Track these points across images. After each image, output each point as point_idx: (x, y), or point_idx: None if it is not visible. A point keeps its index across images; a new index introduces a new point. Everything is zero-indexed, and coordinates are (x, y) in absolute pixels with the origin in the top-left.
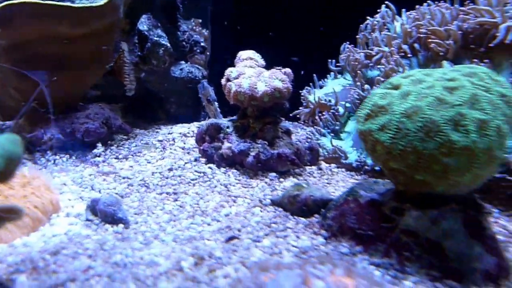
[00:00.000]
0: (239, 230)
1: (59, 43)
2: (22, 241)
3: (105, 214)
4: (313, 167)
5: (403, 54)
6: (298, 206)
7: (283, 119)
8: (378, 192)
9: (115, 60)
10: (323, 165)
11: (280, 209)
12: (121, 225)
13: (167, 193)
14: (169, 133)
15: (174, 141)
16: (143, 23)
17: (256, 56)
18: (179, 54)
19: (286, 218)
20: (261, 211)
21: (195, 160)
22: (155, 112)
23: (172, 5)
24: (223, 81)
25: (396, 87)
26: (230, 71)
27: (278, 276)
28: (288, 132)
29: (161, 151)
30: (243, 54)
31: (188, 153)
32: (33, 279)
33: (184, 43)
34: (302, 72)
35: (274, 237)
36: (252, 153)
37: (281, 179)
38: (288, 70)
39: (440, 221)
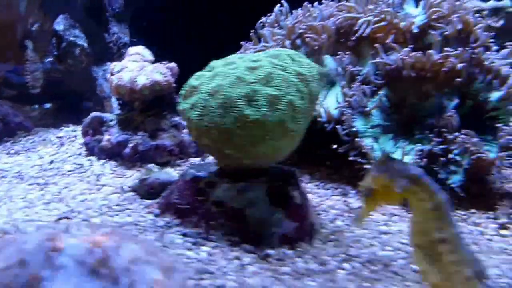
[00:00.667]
0: (78, 212)
1: None
2: None
3: None
4: (198, 158)
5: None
6: (146, 189)
7: (172, 113)
8: (207, 170)
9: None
10: (209, 157)
11: (135, 194)
12: None
13: (38, 184)
14: (73, 131)
15: (76, 138)
16: (60, 23)
17: (144, 51)
18: (105, 55)
19: (133, 200)
20: (117, 197)
21: (79, 154)
22: (78, 111)
23: (99, 7)
24: (108, 75)
25: (211, 70)
26: (114, 65)
27: (29, 235)
28: (177, 126)
29: (57, 147)
30: (131, 49)
31: (81, 147)
32: None
33: (111, 44)
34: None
35: (106, 216)
36: (130, 145)
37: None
38: (172, 64)
39: (246, 191)
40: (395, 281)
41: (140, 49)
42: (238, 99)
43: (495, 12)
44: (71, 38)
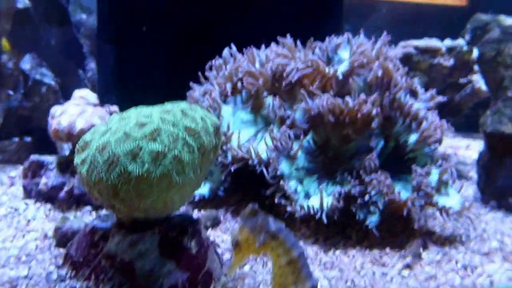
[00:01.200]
0: None
1: None
2: None
3: None
4: None
5: (226, 92)
6: (59, 238)
7: None
8: (111, 221)
9: None
10: None
11: (53, 240)
12: None
13: None
14: None
15: None
16: (26, 62)
17: (90, 95)
18: None
19: (47, 250)
20: (35, 244)
21: (17, 196)
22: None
23: (74, 44)
24: (49, 119)
25: (107, 124)
26: (54, 110)
27: None
28: None
29: (7, 187)
30: (76, 92)
31: None
32: None
33: (86, 81)
34: None
35: (7, 269)
36: (65, 188)
37: (94, 212)
38: (114, 108)
39: (138, 243)
40: None
41: (85, 92)
42: (123, 155)
43: (450, 51)
44: (38, 77)
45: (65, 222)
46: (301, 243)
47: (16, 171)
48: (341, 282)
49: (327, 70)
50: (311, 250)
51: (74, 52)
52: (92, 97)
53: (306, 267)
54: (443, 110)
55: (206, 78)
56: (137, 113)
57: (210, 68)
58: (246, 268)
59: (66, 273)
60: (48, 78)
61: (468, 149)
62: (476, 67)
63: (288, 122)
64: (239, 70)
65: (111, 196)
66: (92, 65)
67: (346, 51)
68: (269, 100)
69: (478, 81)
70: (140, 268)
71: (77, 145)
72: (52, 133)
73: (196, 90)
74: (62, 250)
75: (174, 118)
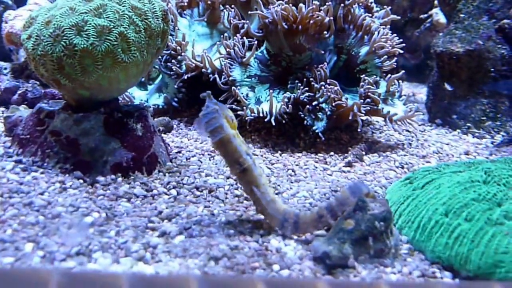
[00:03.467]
0: None
1: None
2: None
3: None
4: None
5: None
6: (9, 126)
7: None
8: (57, 105)
9: None
10: None
11: (4, 133)
12: None
13: None
14: None
15: None
16: None
17: (44, 1)
18: None
19: None
20: None
21: None
22: None
23: None
24: (2, 24)
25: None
26: (7, 14)
27: None
28: None
29: None
30: None
31: None
32: None
33: None
34: None
35: None
36: (19, 91)
37: None
38: None
39: (83, 121)
40: (211, 203)
41: None
42: (68, 28)
43: None
44: None
45: (14, 112)
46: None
47: None
48: (283, 171)
49: None
50: (259, 152)
51: None
52: (46, 2)
53: (228, 154)
54: (403, 48)
55: None
56: None
57: None
58: (194, 159)
59: (13, 151)
60: None
61: (419, 93)
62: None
63: (242, 31)
64: None
65: (56, 70)
66: None
67: None
68: (225, 14)
69: (438, 13)
70: (84, 144)
71: (24, 22)
72: (5, 37)
73: None
74: (6, 137)
75: None
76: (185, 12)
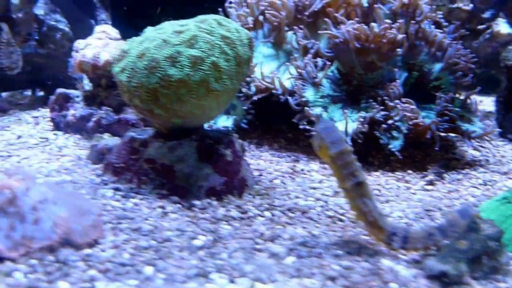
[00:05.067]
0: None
1: None
2: None
3: None
4: None
5: (247, 26)
6: (95, 155)
7: None
8: (147, 134)
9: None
10: None
11: (88, 161)
12: None
13: (1, 156)
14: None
15: None
16: (40, 8)
17: (111, 30)
18: None
19: (83, 166)
20: (71, 164)
21: (47, 129)
22: None
23: None
24: (73, 53)
25: (141, 35)
26: (78, 43)
27: None
28: None
29: (32, 126)
30: (98, 28)
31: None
32: None
33: None
34: None
35: (49, 178)
36: (93, 118)
37: None
38: None
39: (177, 148)
40: (307, 225)
41: (107, 27)
42: (163, 60)
43: None
44: (52, 23)
45: (100, 140)
46: (318, 165)
47: (39, 112)
48: None
49: None
50: None
51: (84, 2)
52: (113, 31)
53: (346, 167)
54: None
55: (227, 15)
56: (172, 24)
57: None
58: (277, 181)
59: (108, 179)
60: (63, 24)
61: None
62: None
63: (312, 51)
64: (260, 4)
65: (151, 100)
66: (103, 16)
67: None
68: (291, 35)
69: (498, 24)
70: (180, 170)
71: (114, 56)
72: (76, 66)
73: None
74: (95, 166)
75: (210, 27)
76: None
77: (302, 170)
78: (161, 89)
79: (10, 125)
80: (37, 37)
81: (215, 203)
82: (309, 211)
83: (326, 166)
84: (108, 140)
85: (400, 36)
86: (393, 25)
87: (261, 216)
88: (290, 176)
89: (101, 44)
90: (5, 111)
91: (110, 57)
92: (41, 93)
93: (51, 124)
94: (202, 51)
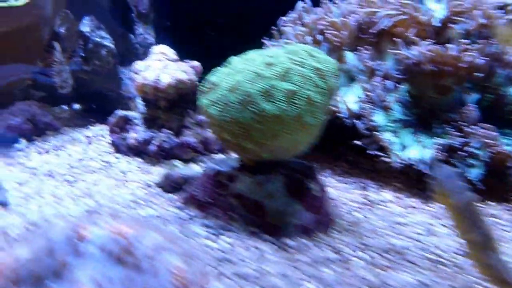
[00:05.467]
0: (105, 206)
1: None
2: None
3: None
4: (221, 155)
5: None
6: (170, 184)
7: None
8: (227, 165)
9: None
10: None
11: (160, 189)
12: None
13: (67, 181)
14: (100, 129)
15: (103, 137)
16: (85, 25)
17: (168, 50)
18: (132, 56)
19: (157, 195)
20: (142, 191)
21: (107, 152)
22: (105, 110)
23: (124, 9)
24: (132, 75)
25: (230, 66)
26: (138, 65)
27: (56, 226)
28: (200, 123)
29: (86, 145)
30: (155, 48)
31: (109, 146)
32: None
33: (137, 45)
34: None
35: (130, 210)
36: (155, 142)
37: (183, 166)
38: (195, 63)
39: (265, 183)
40: (409, 270)
41: (164, 48)
42: (257, 94)
43: None
44: (97, 39)
45: (174, 169)
46: (391, 194)
47: (90, 131)
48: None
49: (422, 17)
50: (410, 201)
51: (124, 17)
52: (171, 52)
53: (469, 217)
54: None
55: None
56: (259, 55)
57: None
58: (357, 214)
59: (194, 214)
60: (107, 40)
61: None
62: None
63: (379, 73)
64: (318, 23)
65: (243, 136)
66: (140, 29)
67: (431, 1)
68: (350, 55)
69: None
70: (270, 207)
71: (201, 87)
72: (137, 88)
73: (271, 46)
74: (172, 196)
75: (301, 59)
76: None
77: (376, 200)
78: (255, 124)
79: (65, 145)
80: (82, 54)
81: (307, 241)
82: (406, 253)
83: (399, 195)
84: (183, 169)
85: (480, 60)
86: (469, 46)
87: (357, 258)
88: (368, 208)
89: (161, 66)
90: (57, 129)
91: (171, 79)
92: (76, 107)
93: (106, 144)
94: (296, 84)
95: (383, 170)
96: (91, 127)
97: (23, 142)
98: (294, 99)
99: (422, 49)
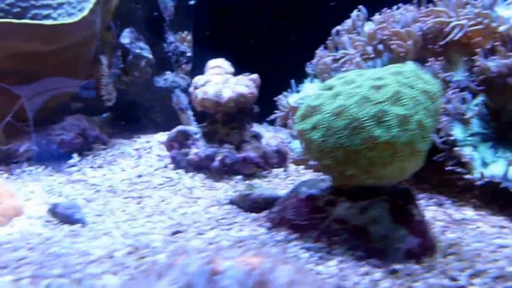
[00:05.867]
0: (188, 226)
1: (33, 59)
2: None
3: (63, 216)
4: (280, 169)
5: (367, 56)
6: (249, 204)
7: (251, 124)
8: (319, 188)
9: (95, 73)
10: (292, 167)
11: (235, 207)
12: (78, 225)
13: (132, 197)
14: (147, 142)
15: (151, 149)
16: (125, 37)
17: (225, 64)
18: (164, 64)
19: (236, 214)
20: (217, 209)
21: (165, 166)
22: (141, 121)
23: (157, 18)
24: (191, 89)
25: (329, 89)
26: (197, 79)
27: (189, 258)
28: (257, 136)
29: (136, 159)
30: (211, 62)
31: (162, 160)
32: None
33: (170, 54)
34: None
35: (219, 230)
36: (218, 158)
37: (247, 181)
38: (254, 76)
39: (368, 209)
40: None
41: (220, 61)
42: (367, 119)
43: None
44: (137, 51)
45: (253, 189)
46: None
47: (137, 144)
48: None
49: (501, 27)
50: (495, 220)
51: (157, 25)
52: (227, 65)
53: None
54: None
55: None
56: (359, 75)
57: (337, 34)
58: (450, 235)
59: (287, 235)
60: (146, 51)
61: None
62: None
63: (454, 84)
64: (379, 32)
65: (348, 162)
66: (171, 38)
67: (503, 8)
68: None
69: None
70: (374, 232)
71: (301, 111)
72: (198, 103)
73: (325, 57)
74: (252, 215)
75: (409, 81)
76: (367, 63)
77: (462, 219)
78: (364, 151)
79: (116, 159)
80: (122, 65)
81: (416, 267)
82: None
83: (480, 213)
84: (262, 189)
85: None
86: None
87: (472, 285)
88: (455, 227)
89: (221, 80)
90: (105, 143)
91: (232, 93)
92: (105, 115)
93: (155, 157)
94: (408, 108)
95: (457, 186)
96: (136, 140)
97: (75, 157)
98: (406, 124)
99: (506, 61)
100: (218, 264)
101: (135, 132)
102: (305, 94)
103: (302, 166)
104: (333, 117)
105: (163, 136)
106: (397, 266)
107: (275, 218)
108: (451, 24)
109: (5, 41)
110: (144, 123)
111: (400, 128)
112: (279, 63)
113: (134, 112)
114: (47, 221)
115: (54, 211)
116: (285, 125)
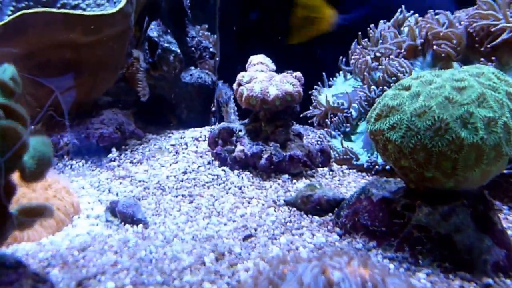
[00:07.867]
0: (255, 229)
1: (72, 50)
2: (48, 240)
3: (124, 215)
4: (325, 168)
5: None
6: (312, 206)
7: (294, 122)
8: (389, 190)
9: (127, 66)
10: (335, 166)
11: (294, 209)
12: (140, 226)
13: (183, 196)
14: (181, 138)
15: (187, 145)
16: (153, 30)
17: (267, 60)
18: (188, 60)
19: (300, 217)
20: (275, 211)
21: (209, 163)
22: (166, 117)
23: (180, 11)
24: (235, 85)
25: (406, 88)
26: (242, 76)
27: (297, 267)
28: (299, 135)
29: (174, 155)
30: (254, 58)
31: (201, 156)
32: (65, 272)
33: (193, 49)
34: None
35: (290, 235)
36: (265, 156)
37: (294, 181)
38: (298, 74)
39: (451, 216)
40: None
41: (262, 58)
42: (452, 121)
43: None
44: (166, 45)
45: (315, 190)
46: None
47: (174, 140)
48: None
49: None
50: None
51: (180, 19)
52: (269, 62)
53: None
54: None
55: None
56: (436, 76)
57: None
58: None
59: (364, 242)
60: (174, 45)
61: None
62: None
63: None
64: (423, 32)
65: (430, 164)
66: (193, 32)
67: None
68: (455, 65)
69: None
70: (459, 241)
71: (376, 111)
72: (243, 100)
73: (365, 55)
74: (316, 218)
75: (492, 83)
76: (411, 62)
77: None
78: (449, 153)
79: (155, 154)
80: (151, 60)
81: (509, 282)
82: None
83: None
84: (324, 190)
85: None
86: None
87: None
88: None
89: (266, 77)
90: (141, 137)
91: (279, 92)
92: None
93: (193, 153)
94: (494, 110)
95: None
96: (171, 135)
97: (114, 152)
98: (492, 127)
99: None
100: (330, 274)
101: (159, 128)
102: (339, 91)
103: (344, 166)
104: (415, 118)
105: (194, 132)
106: (489, 280)
107: (347, 223)
108: (499, 26)
109: (46, 31)
110: (168, 119)
111: (486, 131)
112: (307, 58)
113: (160, 108)
114: (107, 221)
115: (113, 209)
116: (319, 124)
